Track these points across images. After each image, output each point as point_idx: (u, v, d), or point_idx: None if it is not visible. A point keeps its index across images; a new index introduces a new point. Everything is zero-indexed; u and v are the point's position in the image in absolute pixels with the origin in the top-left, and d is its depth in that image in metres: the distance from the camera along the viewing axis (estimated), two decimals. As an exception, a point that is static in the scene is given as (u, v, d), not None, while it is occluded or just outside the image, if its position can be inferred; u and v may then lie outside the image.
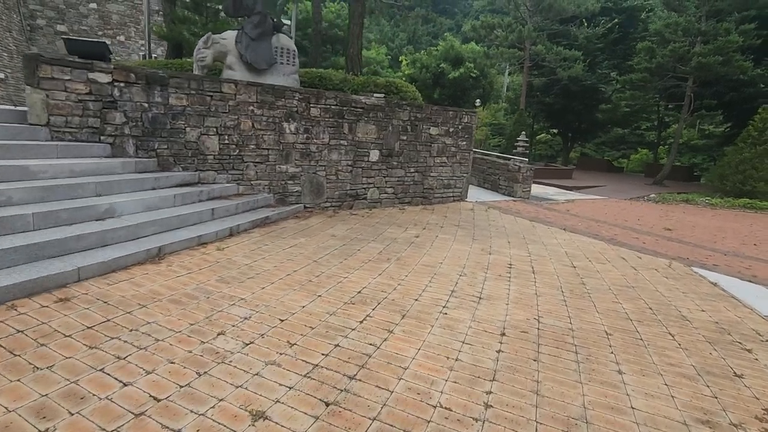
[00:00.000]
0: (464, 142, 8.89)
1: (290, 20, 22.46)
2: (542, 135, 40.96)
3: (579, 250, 6.09)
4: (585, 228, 7.77)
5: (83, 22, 18.51)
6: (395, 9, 12.92)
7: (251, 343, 2.73)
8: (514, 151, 19.76)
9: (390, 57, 40.37)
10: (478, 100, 25.82)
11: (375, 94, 7.68)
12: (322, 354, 2.66)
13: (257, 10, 6.87)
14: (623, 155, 37.13)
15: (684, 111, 17.42)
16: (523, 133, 19.65)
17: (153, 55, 13.04)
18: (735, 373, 2.86)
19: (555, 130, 32.95)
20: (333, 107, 6.99)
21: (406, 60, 30.83)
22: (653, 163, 27.39)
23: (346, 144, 7.27)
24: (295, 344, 2.76)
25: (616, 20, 23.36)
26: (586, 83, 23.61)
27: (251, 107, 6.24)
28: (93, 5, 18.52)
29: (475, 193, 10.46)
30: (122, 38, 19.99)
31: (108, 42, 18.54)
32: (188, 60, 8.78)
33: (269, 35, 7.09)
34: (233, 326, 2.94)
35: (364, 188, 7.68)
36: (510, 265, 5.07)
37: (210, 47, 6.74)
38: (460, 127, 8.72)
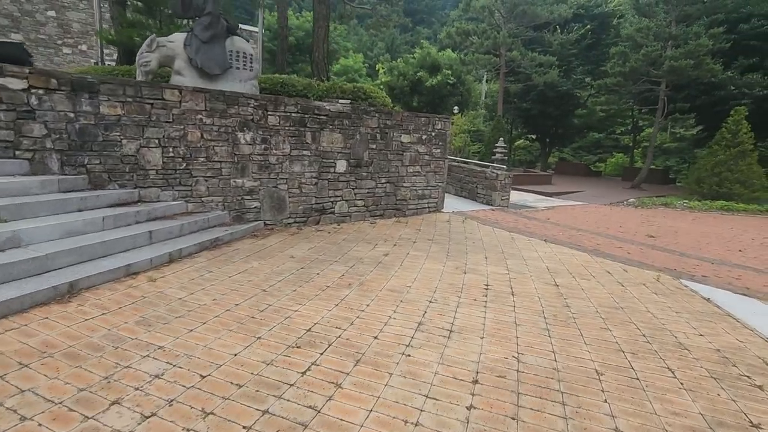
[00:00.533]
0: (438, 150, 8.44)
1: (256, 27, 21.93)
2: (521, 141, 41.27)
3: (561, 264, 5.65)
4: (567, 238, 7.37)
5: (41, 31, 17.51)
6: (370, 15, 12.48)
7: (152, 415, 2.12)
8: (493, 157, 19.54)
9: (368, 66, 40.10)
10: (456, 107, 25.63)
11: (340, 101, 7.16)
12: (244, 427, 2.07)
13: (208, 10, 6.29)
14: (600, 159, 37.70)
15: (658, 115, 17.51)
16: (501, 139, 19.46)
17: (107, 63, 12.25)
18: (751, 422, 2.38)
19: (533, 136, 33.13)
20: (294, 115, 6.43)
21: (383, 68, 30.55)
22: (630, 166, 27.68)
23: (309, 154, 6.70)
24: (211, 413, 2.16)
25: (588, 26, 23.60)
26: (562, 89, 23.71)
27: (199, 116, 5.62)
28: (51, 13, 17.56)
29: (453, 203, 10.01)
30: (84, 47, 19.02)
31: (69, 51, 17.62)
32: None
33: (222, 38, 6.51)
34: (137, 389, 2.31)
35: (331, 201, 7.11)
36: (487, 286, 4.56)
37: (155, 51, 6.11)
38: (433, 134, 8.26)
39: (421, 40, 29.50)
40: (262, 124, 6.16)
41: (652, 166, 23.74)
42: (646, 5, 16.36)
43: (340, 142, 7.00)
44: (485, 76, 34.94)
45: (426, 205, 8.52)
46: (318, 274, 4.60)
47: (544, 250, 6.42)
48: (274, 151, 6.33)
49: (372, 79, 37.53)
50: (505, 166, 19.09)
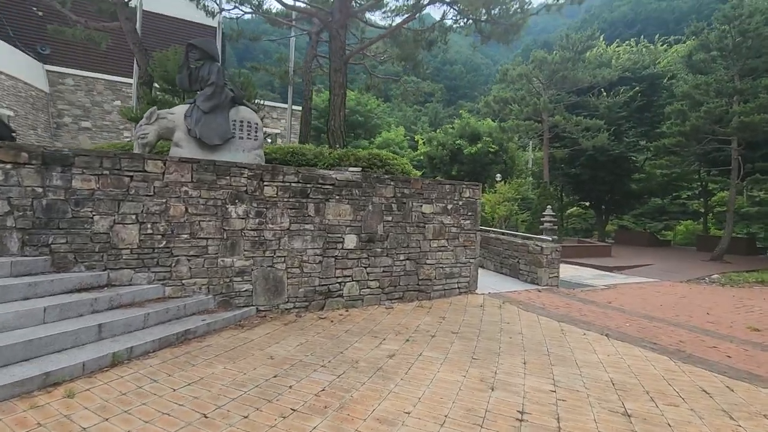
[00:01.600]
0: (468, 221, 7.34)
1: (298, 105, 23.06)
2: (573, 209, 38.95)
3: (632, 375, 4.08)
4: (636, 331, 5.70)
5: (106, 118, 19.47)
6: (411, 93, 12.44)
7: None
8: (541, 227, 17.95)
9: (410, 138, 41.11)
10: (498, 175, 24.71)
11: (350, 168, 6.45)
12: None
13: (211, 80, 6.05)
14: (666, 226, 34.16)
15: (733, 176, 15.40)
16: (549, 207, 17.95)
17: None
18: None
19: (586, 203, 30.99)
20: (294, 185, 5.74)
21: (421, 139, 30.88)
22: (704, 235, 24.53)
23: (312, 228, 5.88)
24: None
25: (637, 88, 22.51)
26: (613, 152, 22.18)
27: (184, 188, 5.05)
28: (117, 102, 19.59)
29: (490, 282, 8.62)
30: (145, 131, 20.82)
31: (128, 134, 19.13)
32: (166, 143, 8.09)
33: (226, 108, 6.19)
34: None
35: (338, 283, 6.10)
36: (521, 414, 3.17)
37: (154, 123, 5.84)
38: (460, 203, 7.24)
39: (460, 111, 29.75)
40: (257, 195, 5.49)
41: (733, 235, 20.75)
42: (702, 62, 15.18)
43: (349, 214, 6.15)
44: (531, 143, 34.24)
45: (456, 286, 7.25)
46: (291, 387, 3.48)
47: (607, 350, 4.85)
48: (271, 226, 5.57)
49: (413, 151, 38.16)
50: (555, 237, 17.39)
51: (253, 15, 11.45)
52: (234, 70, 10.16)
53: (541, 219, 18.09)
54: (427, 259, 6.90)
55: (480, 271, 9.58)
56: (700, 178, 25.89)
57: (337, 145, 7.92)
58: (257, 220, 5.49)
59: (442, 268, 7.07)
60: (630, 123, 23.91)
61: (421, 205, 6.81)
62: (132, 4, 11.19)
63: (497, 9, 7.75)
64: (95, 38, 10.26)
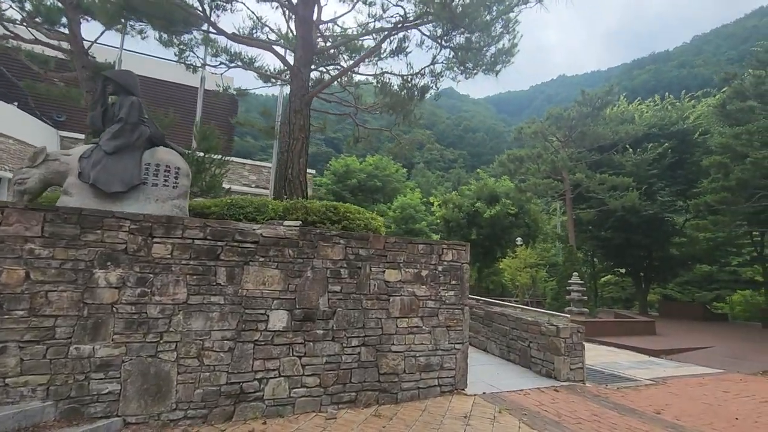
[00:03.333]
0: (451, 293, 5.56)
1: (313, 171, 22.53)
2: (609, 276, 35.61)
3: None
4: (708, 477, 3.55)
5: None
6: (406, 146, 11.33)
7: None
8: (568, 297, 15.55)
9: (427, 202, 40.08)
10: (519, 239, 22.72)
11: (285, 222, 4.97)
12: None
13: (120, 116, 4.94)
14: (717, 297, 30.09)
15: (799, 238, 12.92)
16: (575, 274, 15.71)
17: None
18: None
19: (622, 270, 28.00)
20: (198, 242, 4.28)
21: (437, 201, 29.61)
22: (769, 307, 21.00)
23: (222, 302, 4.30)
24: None
25: (666, 144, 20.79)
26: (647, 213, 19.97)
27: (29, 245, 3.67)
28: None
29: (490, 373, 6.55)
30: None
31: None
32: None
33: (139, 149, 4.99)
34: None
35: (258, 380, 4.35)
36: None
37: (39, 166, 4.67)
38: (439, 269, 5.53)
39: (477, 170, 28.61)
40: (142, 256, 4.04)
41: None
42: (738, 111, 13.54)
43: (278, 283, 4.56)
44: (558, 205, 32.27)
45: (435, 382, 5.29)
46: None
47: None
48: (158, 298, 4.04)
49: (431, 216, 36.85)
50: (584, 309, 14.87)
51: (244, 69, 10.93)
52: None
53: (567, 288, 15.76)
54: (393, 344, 5.08)
55: (480, 356, 7.54)
56: (753, 242, 22.90)
57: (296, 197, 6.56)
58: (138, 290, 3.98)
59: (414, 357, 5.19)
60: (663, 182, 21.88)
61: (384, 271, 5.15)
62: (110, 61, 10.98)
63: (476, 33, 6.65)
64: (73, 95, 9.88)
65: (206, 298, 4.24)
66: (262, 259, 4.53)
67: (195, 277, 4.22)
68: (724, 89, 15.91)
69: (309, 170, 26.00)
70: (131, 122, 4.99)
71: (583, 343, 6.53)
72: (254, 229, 4.56)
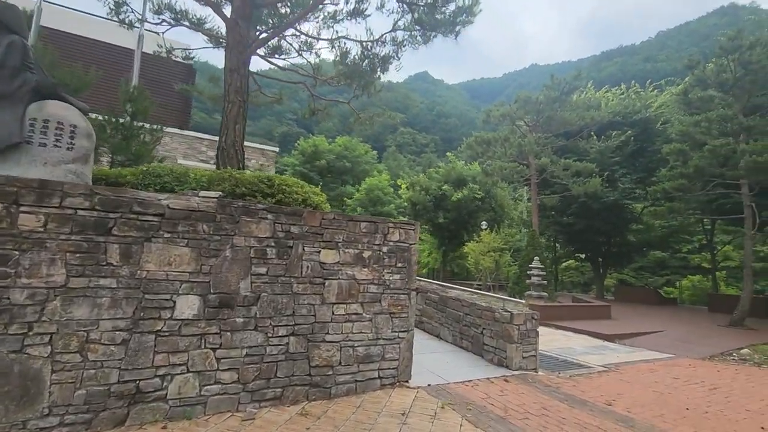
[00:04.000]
0: (397, 276, 5.04)
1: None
2: (570, 261, 36.58)
3: None
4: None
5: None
6: (366, 121, 10.55)
7: None
8: (529, 281, 15.53)
9: (394, 183, 39.56)
10: (484, 223, 22.65)
11: (200, 193, 4.25)
12: None
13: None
14: (668, 282, 31.51)
15: (748, 226, 13.27)
16: (536, 258, 15.68)
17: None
18: None
19: (582, 255, 28.69)
20: (83, 213, 3.52)
21: (404, 183, 29.15)
22: (715, 293, 22.03)
23: (114, 286, 3.57)
24: None
25: (629, 132, 21.04)
26: (608, 199, 20.26)
27: None
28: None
29: (440, 362, 6.16)
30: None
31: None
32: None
33: (21, 101, 4.08)
34: None
35: (160, 376, 3.69)
36: None
37: None
38: (384, 249, 4.98)
39: (447, 153, 28.25)
40: (4, 228, 3.25)
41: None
42: (699, 100, 13.63)
43: (189, 264, 3.87)
44: (525, 191, 32.50)
45: (375, 374, 4.79)
46: None
47: None
48: (26, 281, 3.27)
49: (399, 198, 36.39)
50: (544, 293, 14.90)
51: (188, 29, 9.78)
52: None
53: (528, 272, 15.75)
54: (327, 333, 4.52)
55: (432, 343, 7.14)
56: (704, 230, 23.85)
57: (231, 167, 5.79)
58: (-3, 271, 3.20)
59: (351, 347, 4.66)
60: (624, 169, 22.25)
61: (320, 251, 4.55)
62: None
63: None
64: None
65: (93, 280, 3.51)
66: (168, 235, 3.81)
67: (78, 255, 3.47)
68: (686, 78, 16.04)
69: (272, 147, 24.91)
70: (11, 66, 4.07)
71: (538, 329, 6.22)
72: (159, 200, 3.82)
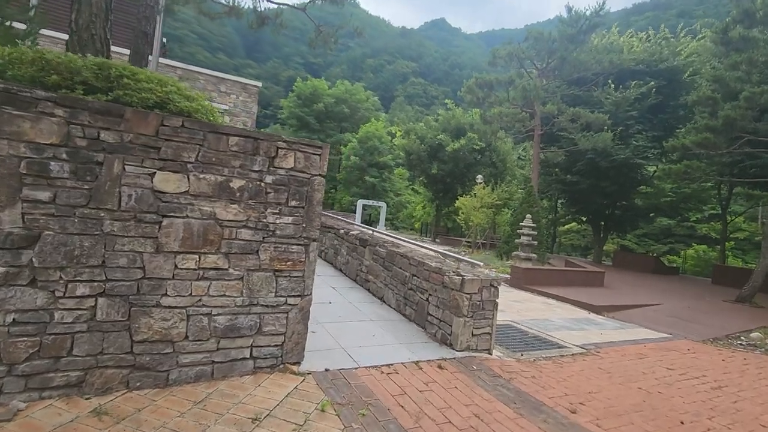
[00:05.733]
0: (288, 219, 3.52)
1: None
2: (572, 223, 34.96)
3: None
4: None
5: None
6: (330, 36, 8.56)
7: None
8: (517, 241, 14.08)
9: (390, 132, 37.33)
10: (479, 176, 20.88)
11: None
12: None
13: None
14: (671, 250, 29.94)
15: (774, 192, 11.51)
16: (529, 216, 14.11)
17: None
18: None
19: (584, 217, 27.04)
20: None
21: (399, 130, 27.08)
22: (722, 264, 20.55)
23: None
24: None
25: (651, 83, 18.63)
26: (618, 157, 18.29)
27: None
28: None
29: (366, 333, 4.80)
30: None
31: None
32: None
33: None
34: None
35: None
36: None
37: None
38: (268, 179, 3.41)
39: (446, 100, 25.93)
40: None
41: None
42: (742, 40, 11.33)
43: None
44: (529, 146, 30.27)
45: (245, 354, 3.41)
46: None
47: None
48: None
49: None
50: (532, 255, 13.47)
51: None
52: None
53: (518, 231, 14.24)
54: (165, 295, 3.08)
55: (371, 308, 5.75)
56: (719, 197, 21.96)
57: (84, 53, 4.13)
58: None
59: (207, 316, 3.24)
60: (640, 125, 20.00)
61: (154, 174, 3.00)
62: None
63: None
64: None
65: None
66: None
67: None
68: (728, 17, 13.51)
69: (254, 82, 22.70)
70: None
71: (497, 300, 4.78)
72: None
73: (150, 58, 6.76)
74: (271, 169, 3.43)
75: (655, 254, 26.56)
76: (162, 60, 20.23)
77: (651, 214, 25.49)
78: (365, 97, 45.34)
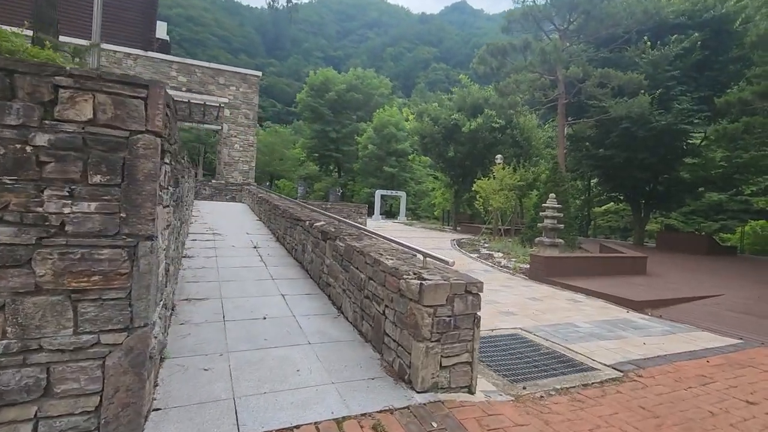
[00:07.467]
0: (92, 205, 2.14)
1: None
2: (609, 204, 32.06)
3: None
4: None
5: None
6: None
7: None
8: (541, 225, 12.24)
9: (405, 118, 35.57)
10: (499, 156, 18.91)
11: None
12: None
13: None
14: (723, 227, 26.54)
15: None
16: (552, 195, 12.23)
17: None
18: None
19: (620, 196, 24.44)
20: None
21: (411, 113, 25.33)
22: (789, 241, 17.72)
23: None
24: None
25: (695, 36, 16.06)
26: (658, 124, 15.90)
27: None
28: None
29: (287, 364, 3.39)
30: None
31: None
32: None
33: None
34: None
35: None
36: None
37: None
38: (42, 140, 2.05)
39: (460, 75, 23.93)
40: None
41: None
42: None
43: None
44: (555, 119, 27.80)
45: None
46: None
47: None
48: None
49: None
50: (559, 240, 11.61)
51: None
52: None
53: (542, 213, 12.41)
54: None
55: (321, 324, 4.27)
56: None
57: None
58: None
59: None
60: (684, 86, 17.39)
61: None
62: None
63: None
64: None
65: None
66: None
67: None
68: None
69: (254, 72, 21.67)
70: None
71: (477, 313, 3.24)
72: None
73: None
74: (47, 123, 2.05)
75: (706, 232, 23.68)
76: (158, 55, 19.49)
77: (699, 189, 22.59)
78: (377, 82, 43.68)
